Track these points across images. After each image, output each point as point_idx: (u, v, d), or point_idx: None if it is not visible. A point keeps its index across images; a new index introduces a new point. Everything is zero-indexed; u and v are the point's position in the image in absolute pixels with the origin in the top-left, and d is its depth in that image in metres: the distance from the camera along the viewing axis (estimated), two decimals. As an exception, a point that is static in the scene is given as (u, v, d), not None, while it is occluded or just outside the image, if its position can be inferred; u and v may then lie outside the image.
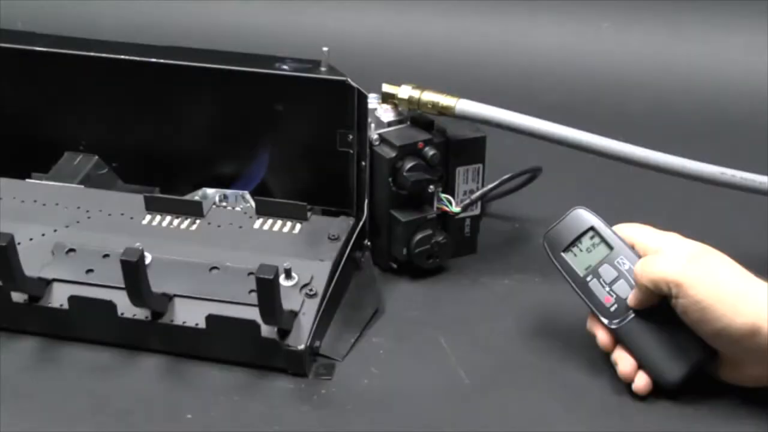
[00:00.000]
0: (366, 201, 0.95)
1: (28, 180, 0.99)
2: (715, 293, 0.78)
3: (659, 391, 0.83)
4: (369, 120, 0.94)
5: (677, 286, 0.79)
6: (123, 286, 0.83)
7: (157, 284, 0.85)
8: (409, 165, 0.93)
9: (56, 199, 0.96)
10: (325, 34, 1.41)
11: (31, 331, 0.89)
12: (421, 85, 0.96)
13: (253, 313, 0.83)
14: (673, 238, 0.83)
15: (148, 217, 0.94)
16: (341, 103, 0.92)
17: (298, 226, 0.94)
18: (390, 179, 0.94)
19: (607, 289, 0.84)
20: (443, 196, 0.97)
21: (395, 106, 0.97)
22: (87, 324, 0.87)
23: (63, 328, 0.88)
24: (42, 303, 0.87)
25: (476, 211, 1.01)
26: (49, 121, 1.01)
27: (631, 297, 0.83)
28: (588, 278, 0.85)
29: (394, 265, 0.98)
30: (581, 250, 0.85)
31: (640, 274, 0.81)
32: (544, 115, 0.95)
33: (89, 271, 0.88)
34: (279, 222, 0.94)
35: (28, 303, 0.87)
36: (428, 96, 0.95)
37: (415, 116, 0.97)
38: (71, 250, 0.90)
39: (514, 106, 0.95)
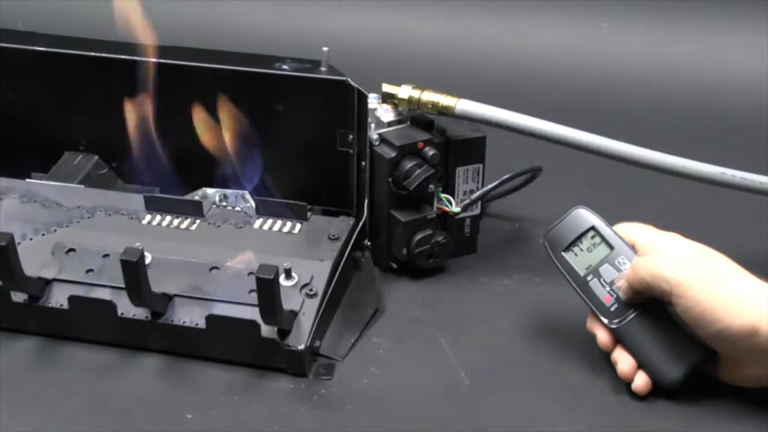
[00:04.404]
0: (366, 201, 0.95)
1: (28, 180, 0.99)
2: (712, 296, 0.78)
3: (659, 391, 0.83)
4: (369, 120, 0.95)
5: (672, 290, 0.79)
6: (123, 286, 0.83)
7: (157, 284, 0.85)
8: (409, 165, 0.93)
9: (56, 199, 0.96)
10: (325, 34, 1.41)
11: (31, 331, 0.89)
12: (421, 85, 0.96)
13: (253, 313, 0.83)
14: (673, 238, 0.83)
15: (148, 217, 0.94)
16: (341, 103, 0.92)
17: (298, 226, 0.94)
18: (390, 179, 0.94)
19: (608, 288, 0.84)
20: (443, 196, 0.97)
21: (395, 106, 0.97)
22: (87, 324, 0.87)
23: (63, 328, 0.88)
24: (42, 303, 0.87)
25: (476, 211, 1.01)
26: (49, 121, 1.01)
27: (622, 293, 0.83)
28: (588, 278, 0.85)
29: (394, 265, 0.98)
30: (582, 250, 0.85)
31: (634, 274, 0.82)
32: (544, 115, 0.95)
33: (89, 271, 0.89)
34: (279, 222, 0.94)
35: (28, 303, 0.87)
36: (428, 96, 0.95)
37: (415, 116, 0.97)
38: (71, 250, 0.90)
39: (514, 106, 0.95)
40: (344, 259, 0.91)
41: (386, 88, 0.97)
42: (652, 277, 0.80)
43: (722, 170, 0.93)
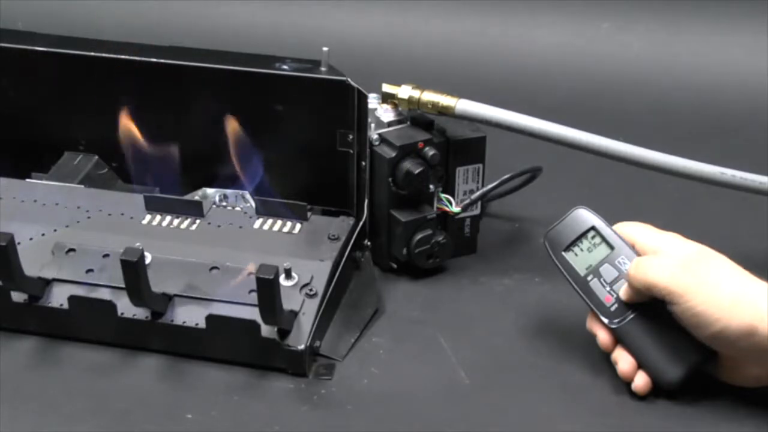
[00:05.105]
0: (366, 201, 0.95)
1: (28, 180, 0.99)
2: (710, 297, 0.78)
3: (659, 391, 0.83)
4: (369, 120, 0.95)
5: (669, 294, 0.79)
6: (123, 286, 0.83)
7: (157, 284, 0.85)
8: (409, 165, 0.93)
9: (56, 199, 0.96)
10: (325, 34, 1.41)
11: (31, 331, 0.89)
12: (421, 85, 0.96)
13: (253, 313, 0.83)
14: (672, 238, 0.83)
15: (148, 217, 0.94)
16: (341, 103, 0.92)
17: (298, 226, 0.94)
18: (390, 179, 0.94)
19: (608, 288, 0.84)
20: (443, 196, 0.97)
21: (395, 106, 0.97)
22: (87, 324, 0.87)
23: (63, 328, 0.88)
24: (42, 303, 0.87)
25: (476, 211, 1.01)
26: (49, 121, 1.01)
27: (623, 292, 0.83)
28: (589, 278, 0.85)
29: (394, 265, 0.98)
30: (582, 250, 0.86)
31: (633, 275, 0.82)
32: (544, 115, 0.95)
33: (89, 271, 0.88)
34: (279, 222, 0.94)
35: (28, 303, 0.87)
36: (428, 96, 0.95)
37: (415, 116, 0.97)
38: (71, 250, 0.90)
39: (514, 106, 0.95)
40: (344, 259, 0.91)
41: (386, 88, 0.97)
42: (651, 278, 0.80)
43: (722, 170, 0.93)
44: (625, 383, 0.83)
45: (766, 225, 1.04)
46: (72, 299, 0.86)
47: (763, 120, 1.27)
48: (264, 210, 0.95)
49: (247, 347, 0.85)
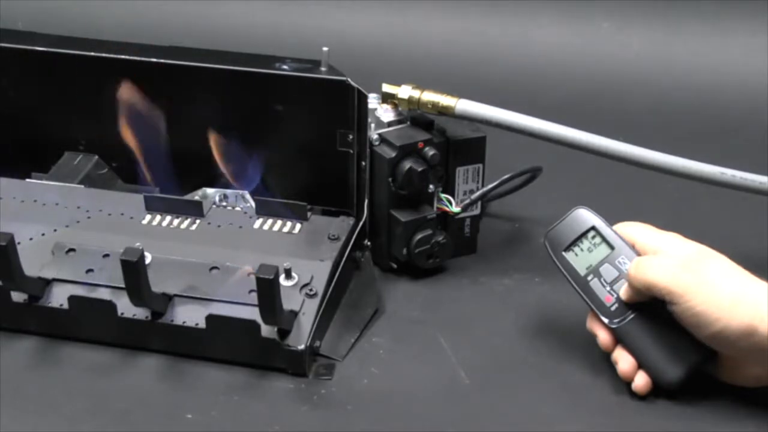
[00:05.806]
0: (366, 201, 0.95)
1: (28, 180, 0.99)
2: (710, 297, 0.78)
3: (659, 391, 0.83)
4: (369, 120, 0.95)
5: (669, 294, 0.79)
6: (123, 286, 0.83)
7: (157, 284, 0.85)
8: (408, 165, 0.93)
9: (56, 199, 0.96)
10: (325, 34, 1.41)
11: (31, 331, 0.89)
12: (421, 85, 0.96)
13: (253, 313, 0.83)
14: (672, 238, 0.84)
15: (148, 217, 0.94)
16: (341, 103, 0.92)
17: (298, 226, 0.94)
18: (390, 179, 0.94)
19: (608, 288, 0.84)
20: (443, 196, 0.97)
21: (395, 106, 0.97)
22: (87, 324, 0.87)
23: (63, 328, 0.88)
24: (42, 303, 0.87)
25: (476, 211, 1.01)
26: (49, 121, 1.01)
27: (623, 292, 0.83)
28: (589, 278, 0.85)
29: (394, 265, 0.98)
30: (582, 250, 0.86)
31: (633, 275, 0.82)
32: (544, 115, 0.95)
33: (89, 271, 0.88)
34: (279, 222, 0.94)
35: (28, 303, 0.87)
36: (428, 96, 0.95)
37: (415, 116, 0.97)
38: (71, 250, 0.90)
39: (514, 106, 0.95)
40: (344, 259, 0.91)
41: (386, 88, 0.97)
42: (651, 278, 0.80)
43: (722, 170, 0.94)
44: (625, 383, 0.83)
45: (766, 225, 1.04)
46: (72, 299, 0.86)
47: (763, 120, 1.27)
48: (264, 210, 0.95)
49: (247, 347, 0.85)
